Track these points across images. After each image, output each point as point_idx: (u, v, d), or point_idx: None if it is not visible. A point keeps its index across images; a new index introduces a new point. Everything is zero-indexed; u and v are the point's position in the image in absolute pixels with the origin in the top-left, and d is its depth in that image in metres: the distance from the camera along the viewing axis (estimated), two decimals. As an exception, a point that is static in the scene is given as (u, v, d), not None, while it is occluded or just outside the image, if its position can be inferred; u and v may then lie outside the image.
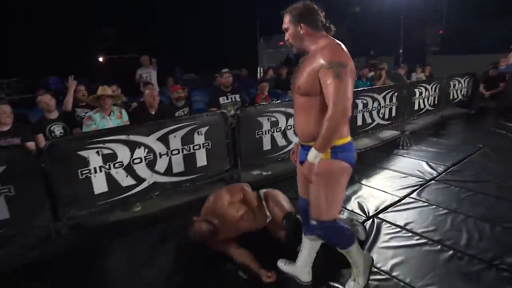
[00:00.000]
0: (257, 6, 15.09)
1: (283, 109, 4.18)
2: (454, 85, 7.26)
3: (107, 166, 2.94)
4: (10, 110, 3.20)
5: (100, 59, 12.77)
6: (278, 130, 4.19)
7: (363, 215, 3.03)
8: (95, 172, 2.89)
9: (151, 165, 3.18)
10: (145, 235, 2.83)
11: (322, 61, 1.64)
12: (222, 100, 4.74)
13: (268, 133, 4.11)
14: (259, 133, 4.04)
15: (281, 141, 4.27)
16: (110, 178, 2.98)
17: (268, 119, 4.09)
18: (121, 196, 3.07)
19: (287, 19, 1.79)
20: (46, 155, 2.69)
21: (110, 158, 2.94)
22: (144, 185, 3.18)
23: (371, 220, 2.92)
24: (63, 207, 2.81)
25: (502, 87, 6.69)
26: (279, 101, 4.58)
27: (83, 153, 2.80)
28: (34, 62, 13.42)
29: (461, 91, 7.49)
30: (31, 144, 3.26)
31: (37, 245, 2.77)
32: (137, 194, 3.16)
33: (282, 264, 2.28)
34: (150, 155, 3.16)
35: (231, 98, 4.78)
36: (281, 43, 18.87)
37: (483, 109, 7.25)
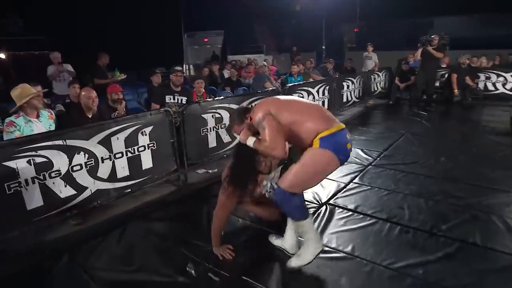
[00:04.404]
0: (180, 3, 14.66)
1: (226, 105, 4.16)
2: (374, 79, 8.01)
3: (41, 177, 2.58)
4: None
5: (2, 55, 11.11)
6: (223, 126, 4.15)
7: (316, 202, 3.16)
8: (27, 184, 2.51)
9: (92, 171, 2.89)
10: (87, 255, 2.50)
11: None
12: (168, 99, 4.33)
13: (213, 130, 4.06)
14: (204, 130, 3.96)
15: (226, 137, 4.23)
16: (45, 190, 2.62)
17: (212, 115, 4.03)
18: (60, 210, 2.73)
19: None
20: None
21: (44, 167, 2.58)
22: (86, 194, 2.87)
23: (324, 206, 3.07)
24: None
25: (413, 80, 7.57)
26: (222, 97, 4.52)
27: (10, 163, 2.41)
28: None
29: (380, 84, 8.30)
30: None
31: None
32: (79, 205, 2.84)
33: (273, 238, 2.51)
34: (91, 160, 2.86)
35: (178, 99, 4.37)
36: (206, 39, 18.68)
37: (399, 99, 8.15)
